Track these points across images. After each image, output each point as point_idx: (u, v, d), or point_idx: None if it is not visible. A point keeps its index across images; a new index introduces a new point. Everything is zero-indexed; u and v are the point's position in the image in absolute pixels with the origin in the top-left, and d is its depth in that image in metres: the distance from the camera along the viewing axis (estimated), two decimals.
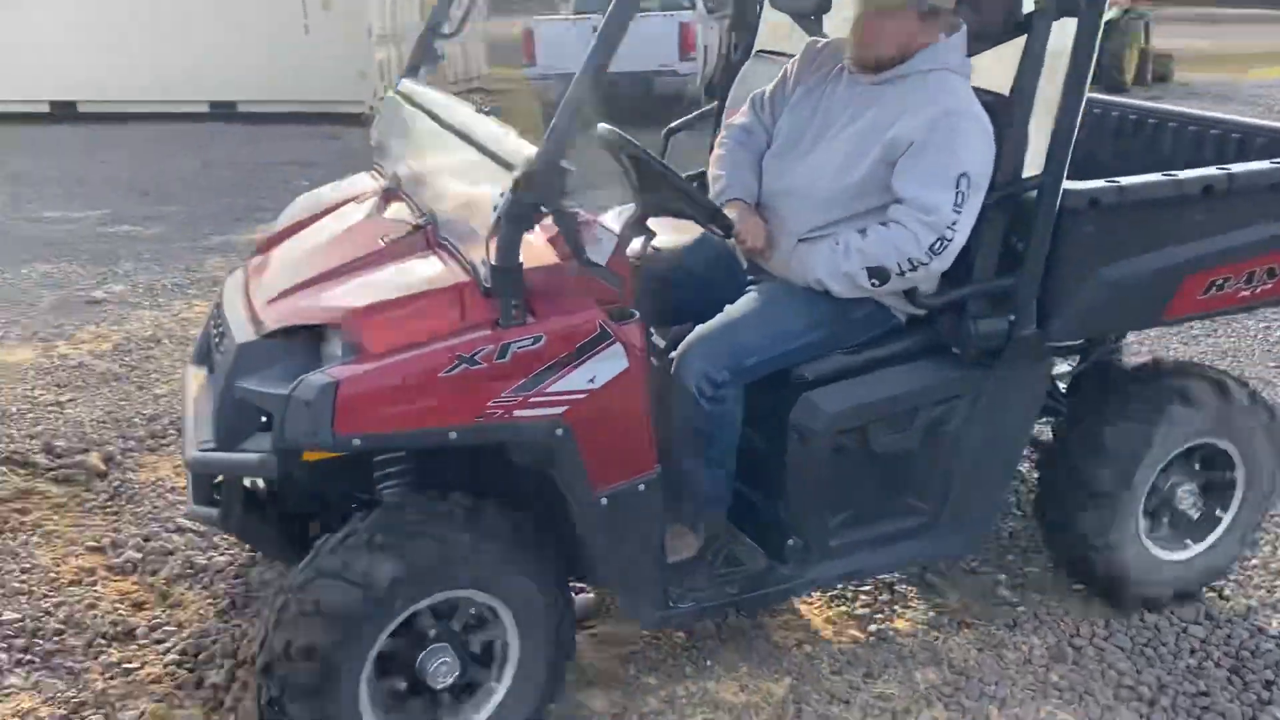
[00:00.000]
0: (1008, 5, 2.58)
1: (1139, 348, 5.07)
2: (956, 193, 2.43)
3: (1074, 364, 3.24)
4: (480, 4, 12.94)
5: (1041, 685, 2.75)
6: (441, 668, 2.27)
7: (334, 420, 2.04)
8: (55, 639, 2.88)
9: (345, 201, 2.97)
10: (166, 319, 5.53)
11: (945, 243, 2.46)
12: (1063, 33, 2.47)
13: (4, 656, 2.80)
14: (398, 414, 2.10)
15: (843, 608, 3.06)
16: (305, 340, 2.27)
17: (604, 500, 2.27)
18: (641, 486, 2.30)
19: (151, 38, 11.69)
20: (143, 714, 2.59)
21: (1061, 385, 3.27)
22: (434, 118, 2.78)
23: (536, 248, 2.20)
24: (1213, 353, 5.08)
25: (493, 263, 2.10)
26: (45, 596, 3.06)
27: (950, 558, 3.13)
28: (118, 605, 3.03)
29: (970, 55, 2.61)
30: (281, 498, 2.60)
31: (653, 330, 2.84)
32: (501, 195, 2.07)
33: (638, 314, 2.26)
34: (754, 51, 3.60)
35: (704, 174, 2.99)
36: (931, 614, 3.04)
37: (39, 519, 3.47)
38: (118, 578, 3.17)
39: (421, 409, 2.10)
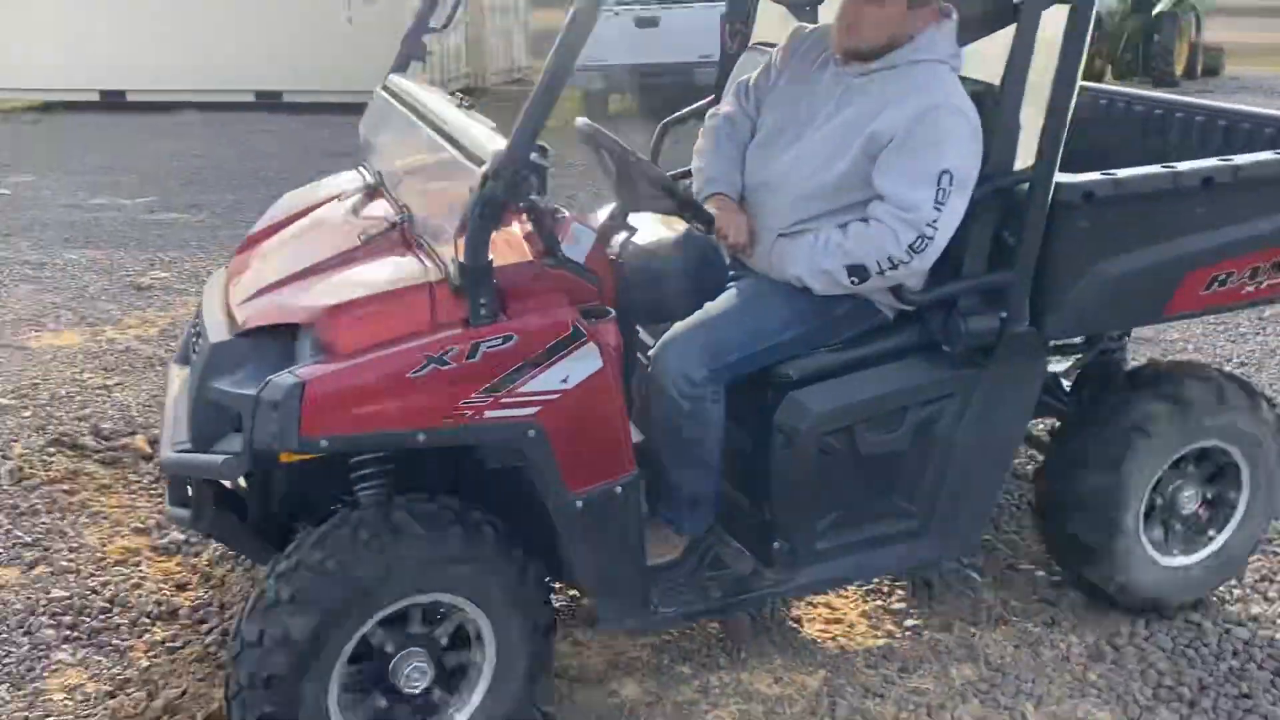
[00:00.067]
0: None
1: (1187, 345, 5.00)
2: (938, 190, 2.35)
3: (1072, 362, 3.16)
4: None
5: (1079, 684, 2.72)
6: (414, 673, 2.22)
7: (301, 422, 2.00)
8: (101, 617, 2.94)
9: (329, 199, 2.92)
10: None
11: (925, 241, 2.38)
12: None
13: (52, 633, 2.87)
14: (366, 415, 2.05)
15: (878, 602, 3.05)
16: (279, 340, 2.22)
17: (580, 503, 2.22)
18: (619, 488, 2.25)
19: (199, 28, 11.87)
20: (185, 692, 2.64)
21: (1066, 382, 3.19)
22: (416, 113, 2.74)
23: (511, 245, 2.16)
24: (1261, 351, 4.99)
25: (461, 260, 2.06)
26: (92, 575, 3.13)
27: (942, 562, 3.03)
28: (162, 585, 3.09)
29: (961, 45, 2.52)
30: (264, 499, 2.54)
31: (640, 329, 2.79)
32: (470, 191, 2.04)
33: (613, 312, 2.22)
34: (751, 43, 3.54)
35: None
36: (968, 610, 3.01)
37: (86, 499, 3.54)
38: (162, 558, 3.23)
39: (390, 410, 2.06)
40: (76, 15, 11.91)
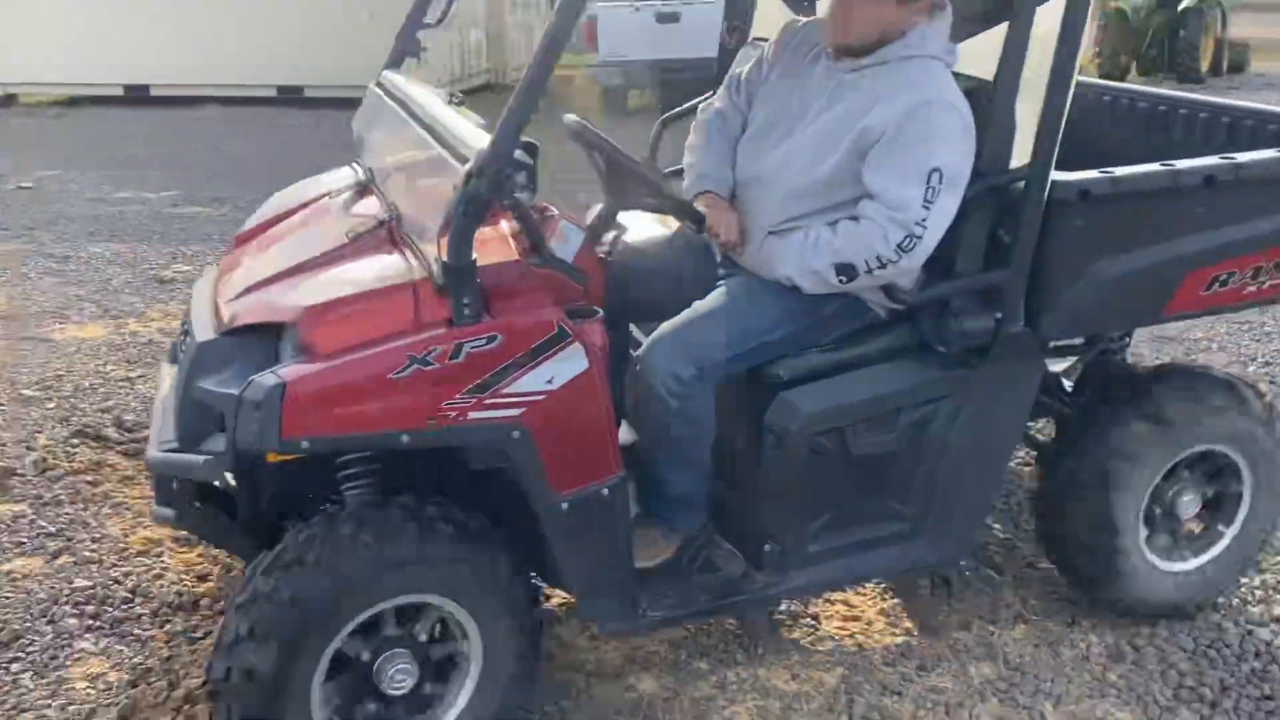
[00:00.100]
0: None
1: (1211, 344, 4.96)
2: (927, 188, 2.30)
3: (1070, 362, 3.11)
4: None
5: (1099, 683, 2.71)
6: (398, 674, 2.21)
7: (282, 422, 1.98)
8: (124, 607, 2.97)
9: (321, 196, 2.90)
10: None
11: (914, 240, 2.33)
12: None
13: (75, 622, 2.90)
14: (348, 416, 2.03)
15: (897, 599, 3.04)
16: (264, 339, 2.20)
17: (565, 505, 2.19)
18: (605, 490, 2.22)
19: (222, 24, 11.93)
20: (205, 682, 2.66)
21: (1068, 382, 3.14)
22: (407, 110, 2.72)
23: (497, 243, 2.14)
24: None
25: (444, 259, 2.03)
26: (114, 565, 3.16)
27: (936, 565, 2.96)
28: (183, 576, 3.11)
29: (956, 41, 2.47)
30: (253, 498, 2.52)
31: (634, 327, 2.77)
32: (454, 189, 2.02)
33: (600, 312, 2.19)
34: (750, 39, 3.49)
35: None
36: (987, 608, 3.00)
37: (109, 490, 3.57)
38: (183, 550, 3.25)
39: (372, 411, 2.03)
40: (101, 11, 11.99)
